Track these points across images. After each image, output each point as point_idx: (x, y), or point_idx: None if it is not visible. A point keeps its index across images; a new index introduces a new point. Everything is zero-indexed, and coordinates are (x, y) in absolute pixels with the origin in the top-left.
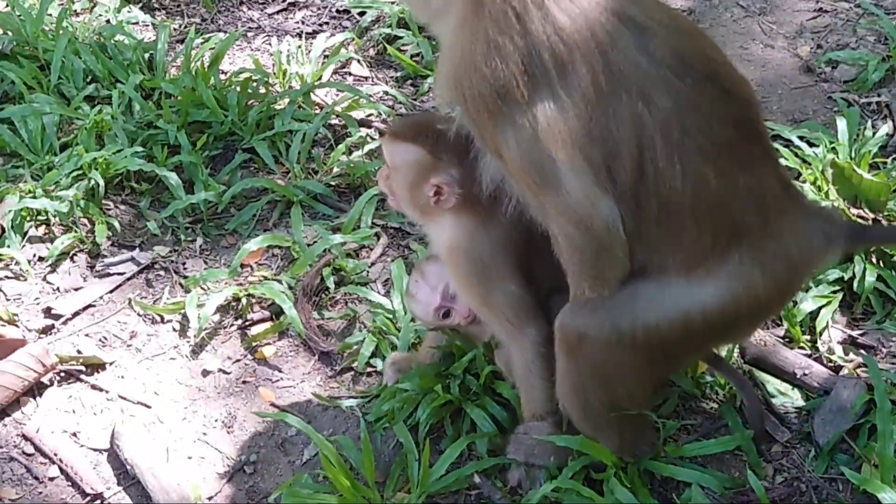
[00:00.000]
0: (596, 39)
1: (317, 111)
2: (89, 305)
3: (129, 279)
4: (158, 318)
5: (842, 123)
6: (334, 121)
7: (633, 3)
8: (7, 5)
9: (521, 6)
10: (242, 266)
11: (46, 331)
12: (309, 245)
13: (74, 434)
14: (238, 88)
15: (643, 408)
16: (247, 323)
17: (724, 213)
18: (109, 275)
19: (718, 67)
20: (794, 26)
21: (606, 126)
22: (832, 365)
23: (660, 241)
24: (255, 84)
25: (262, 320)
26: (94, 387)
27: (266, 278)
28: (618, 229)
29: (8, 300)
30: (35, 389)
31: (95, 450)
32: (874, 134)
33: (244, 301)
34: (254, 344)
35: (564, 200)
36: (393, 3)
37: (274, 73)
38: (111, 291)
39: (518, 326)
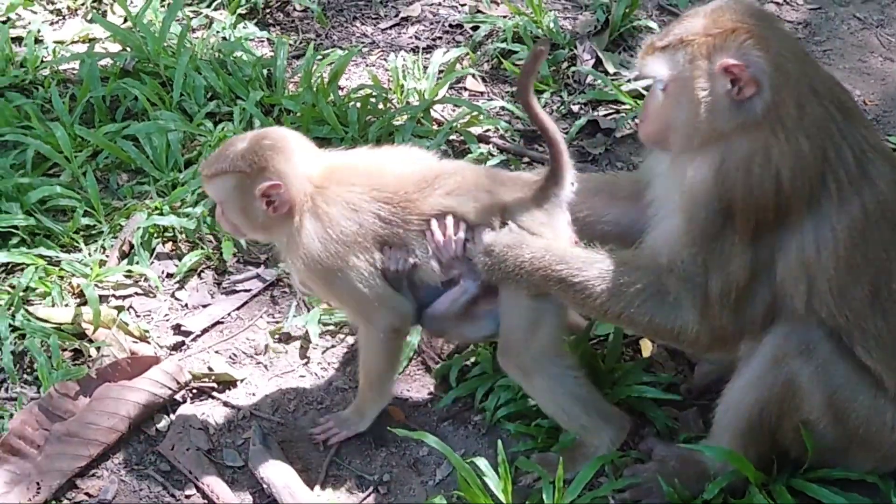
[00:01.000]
0: None
1: (435, 127)
2: (217, 322)
3: (255, 296)
4: (286, 335)
5: None
6: (452, 136)
7: None
8: (125, 21)
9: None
10: None
11: (177, 347)
12: None
13: (209, 452)
14: (358, 104)
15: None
16: None
17: None
18: (236, 291)
19: None
20: None
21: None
22: None
23: (879, 356)
24: (374, 100)
25: None
26: (225, 403)
27: None
28: None
29: (138, 316)
30: (168, 406)
31: (230, 467)
32: None
33: None
34: None
35: None
36: (506, 17)
37: (392, 89)
38: (238, 308)
39: None
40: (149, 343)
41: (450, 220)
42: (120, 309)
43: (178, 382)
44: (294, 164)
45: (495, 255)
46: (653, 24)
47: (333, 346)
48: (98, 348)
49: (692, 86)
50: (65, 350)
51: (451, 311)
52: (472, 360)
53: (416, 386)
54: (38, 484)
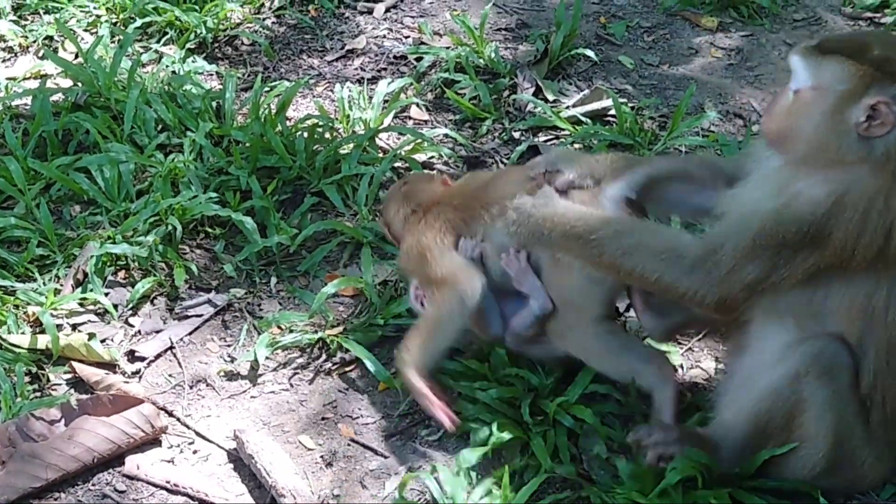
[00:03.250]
0: None
1: (380, 155)
2: (170, 347)
3: (206, 321)
4: (237, 359)
5: None
6: (397, 163)
7: None
8: (76, 57)
9: None
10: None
11: (133, 374)
12: (378, 285)
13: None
14: (305, 134)
15: None
16: (324, 360)
17: None
18: (188, 317)
19: None
20: None
21: None
22: None
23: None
24: (320, 130)
25: (345, 362)
26: (182, 423)
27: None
28: None
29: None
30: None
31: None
32: None
33: (321, 341)
34: (331, 382)
35: None
36: (449, 48)
37: (338, 119)
38: (190, 333)
39: None
40: (116, 371)
41: (512, 251)
42: (91, 336)
43: (154, 427)
44: (398, 211)
45: (521, 212)
46: (590, 53)
47: (283, 367)
48: (66, 374)
49: (831, 104)
50: (28, 375)
51: (523, 332)
52: None
53: (366, 403)
54: None
